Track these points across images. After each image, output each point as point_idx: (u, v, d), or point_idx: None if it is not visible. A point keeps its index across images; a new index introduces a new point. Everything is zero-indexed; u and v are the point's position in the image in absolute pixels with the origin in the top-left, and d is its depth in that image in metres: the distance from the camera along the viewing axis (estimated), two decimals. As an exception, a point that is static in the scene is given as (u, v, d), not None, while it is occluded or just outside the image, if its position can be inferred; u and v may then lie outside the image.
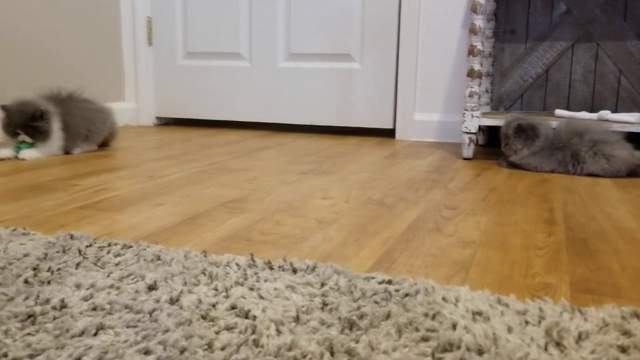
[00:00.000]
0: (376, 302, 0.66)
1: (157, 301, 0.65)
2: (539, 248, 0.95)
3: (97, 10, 2.48)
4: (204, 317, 0.62)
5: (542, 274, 0.83)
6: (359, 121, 2.40)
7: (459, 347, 0.56)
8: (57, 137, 1.75)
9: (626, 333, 0.60)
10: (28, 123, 1.68)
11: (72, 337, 0.57)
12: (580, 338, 0.59)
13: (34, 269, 0.75)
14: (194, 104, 2.64)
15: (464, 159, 1.85)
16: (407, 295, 0.68)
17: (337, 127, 2.58)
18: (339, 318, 0.62)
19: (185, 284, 0.71)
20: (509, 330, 0.61)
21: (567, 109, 2.08)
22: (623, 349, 0.56)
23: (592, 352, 0.56)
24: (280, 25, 2.45)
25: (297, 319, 0.62)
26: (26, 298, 0.65)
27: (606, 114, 1.76)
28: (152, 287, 0.70)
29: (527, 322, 0.63)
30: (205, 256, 0.81)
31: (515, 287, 0.77)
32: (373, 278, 0.73)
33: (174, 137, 2.29)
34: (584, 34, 2.04)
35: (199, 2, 2.54)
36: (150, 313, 0.62)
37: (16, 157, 1.69)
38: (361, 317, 0.62)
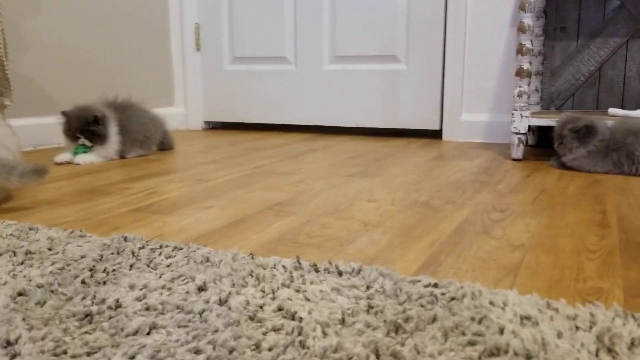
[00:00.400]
0: (422, 306, 0.66)
1: (207, 302, 0.67)
2: (591, 251, 0.93)
3: (147, 20, 2.55)
4: (251, 318, 0.63)
5: (594, 278, 0.81)
6: (405, 123, 2.39)
7: (506, 352, 0.56)
8: (114, 141, 1.81)
9: (683, 340, 0.58)
10: (86, 127, 1.75)
11: (127, 335, 0.59)
12: (633, 344, 0.57)
13: (91, 270, 0.78)
14: (240, 108, 2.68)
15: (513, 160, 1.81)
16: (453, 298, 0.68)
17: (383, 129, 2.57)
18: (385, 321, 0.62)
19: (233, 285, 0.72)
20: (559, 335, 0.60)
21: (622, 107, 2.01)
22: (679, 357, 0.55)
23: (646, 359, 0.55)
24: (325, 28, 2.47)
25: (342, 321, 0.63)
26: (83, 298, 0.68)
27: (663, 112, 1.69)
28: (201, 288, 0.72)
29: (577, 328, 0.61)
30: (252, 258, 0.82)
31: (565, 292, 0.76)
32: (419, 281, 0.73)
33: (221, 141, 2.34)
34: (639, 29, 1.96)
35: (245, 7, 2.58)
36: (200, 313, 0.64)
37: (73, 162, 1.76)
38: (407, 320, 0.62)
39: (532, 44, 1.79)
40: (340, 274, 0.77)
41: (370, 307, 0.66)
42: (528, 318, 0.63)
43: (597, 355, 0.56)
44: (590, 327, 0.61)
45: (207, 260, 0.82)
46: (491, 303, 0.67)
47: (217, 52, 2.68)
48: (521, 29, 1.76)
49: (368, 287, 0.72)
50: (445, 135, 2.31)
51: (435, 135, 2.43)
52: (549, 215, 1.15)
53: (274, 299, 0.68)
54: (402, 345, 0.57)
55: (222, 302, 0.67)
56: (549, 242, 0.97)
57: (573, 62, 2.07)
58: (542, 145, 2.15)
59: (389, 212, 1.16)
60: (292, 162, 1.80)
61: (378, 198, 1.29)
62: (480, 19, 2.19)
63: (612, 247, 0.95)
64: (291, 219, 1.11)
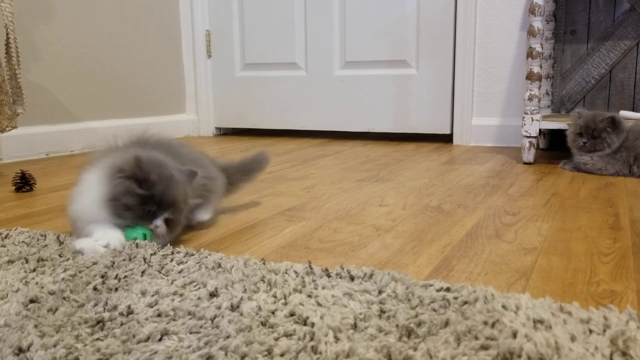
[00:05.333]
0: (434, 310, 0.66)
1: (219, 308, 0.67)
2: (604, 254, 0.92)
3: (159, 27, 2.57)
4: (263, 324, 0.63)
5: (608, 281, 0.80)
6: (416, 127, 2.38)
7: (519, 356, 0.55)
8: None
9: (699, 344, 0.57)
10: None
11: (139, 342, 0.60)
12: (648, 348, 0.57)
13: (102, 276, 0.79)
14: (252, 114, 2.69)
15: (525, 163, 1.81)
16: (465, 302, 0.68)
17: (394, 134, 2.57)
18: (397, 325, 0.62)
19: (245, 291, 0.72)
20: (572, 339, 0.59)
21: (633, 110, 2.00)
22: (696, 361, 0.54)
23: (662, 363, 0.54)
24: (335, 34, 2.47)
25: (354, 326, 0.62)
26: (95, 304, 0.69)
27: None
28: (213, 294, 0.72)
29: (591, 331, 0.61)
30: (264, 264, 0.82)
31: (578, 295, 0.75)
32: (431, 285, 0.73)
33: (233, 147, 2.35)
34: (651, 31, 1.95)
35: (256, 14, 2.60)
36: (212, 319, 0.64)
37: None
38: (419, 324, 0.62)
39: (542, 48, 1.78)
40: (352, 278, 0.76)
41: (382, 311, 0.66)
42: (541, 322, 0.63)
43: (611, 358, 0.55)
44: (604, 331, 0.61)
45: (219, 266, 0.82)
46: (504, 307, 0.66)
47: (229, 58, 2.69)
48: (531, 33, 1.76)
49: (380, 292, 0.71)
50: (456, 140, 2.31)
51: (446, 139, 2.42)
52: (561, 218, 1.14)
53: (285, 304, 0.68)
54: (415, 349, 0.57)
55: (234, 308, 0.67)
56: (562, 245, 0.97)
57: (583, 65, 2.05)
58: (553, 148, 2.13)
59: (401, 217, 1.16)
60: (304, 167, 1.80)
61: (389, 203, 1.29)
62: (490, 23, 2.18)
63: (625, 250, 0.94)
64: (303, 224, 1.11)
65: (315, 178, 1.61)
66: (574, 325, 0.62)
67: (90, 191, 0.91)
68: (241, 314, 0.65)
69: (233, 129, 2.86)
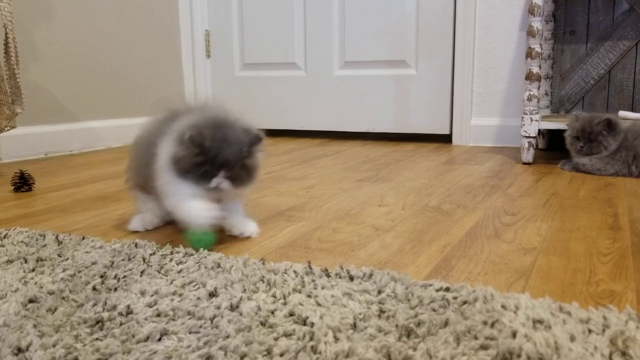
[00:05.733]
0: (434, 310, 0.66)
1: (218, 308, 0.67)
2: (603, 254, 0.92)
3: (158, 27, 2.57)
4: (263, 324, 0.63)
5: (607, 281, 0.80)
6: (416, 127, 2.39)
7: (519, 356, 0.55)
8: None
9: (699, 343, 0.57)
10: None
11: (138, 342, 0.60)
12: (648, 348, 0.57)
13: (102, 276, 0.79)
14: (251, 114, 2.68)
15: (524, 163, 1.81)
16: (465, 302, 0.68)
17: (393, 134, 2.57)
18: (397, 325, 0.62)
19: (244, 290, 0.72)
20: (572, 338, 0.59)
21: (632, 110, 2.00)
22: (695, 360, 0.54)
23: (662, 363, 0.54)
24: (335, 34, 2.47)
25: (354, 326, 0.62)
26: (94, 304, 0.69)
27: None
28: (212, 294, 0.72)
29: (590, 331, 0.61)
30: (263, 264, 0.82)
31: (578, 295, 0.75)
32: (430, 285, 0.73)
33: (231, 147, 2.35)
34: (650, 31, 1.95)
35: (255, 14, 2.60)
36: (212, 319, 0.64)
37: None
38: (419, 324, 0.62)
39: (541, 48, 1.78)
40: (351, 278, 0.76)
41: (382, 311, 0.66)
42: (541, 322, 0.63)
43: (610, 358, 0.55)
44: (604, 331, 0.61)
45: (218, 266, 0.82)
46: (503, 307, 0.66)
47: (228, 58, 2.69)
48: (530, 33, 1.76)
49: (380, 292, 0.71)
50: (455, 140, 2.31)
51: (445, 139, 2.42)
52: (560, 218, 1.14)
53: (285, 304, 0.68)
54: (414, 349, 0.57)
55: (233, 308, 0.67)
56: (561, 245, 0.97)
57: (582, 66, 2.06)
58: (552, 148, 2.13)
59: (400, 217, 1.16)
60: (303, 167, 1.80)
61: (389, 203, 1.29)
62: (490, 23, 2.18)
63: (625, 250, 0.94)
64: (302, 224, 1.11)
65: (314, 178, 1.61)
66: (573, 325, 0.62)
67: (162, 153, 0.97)
68: (241, 314, 0.65)
69: (232, 129, 2.86)
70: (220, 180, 0.93)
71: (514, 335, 0.59)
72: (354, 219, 1.15)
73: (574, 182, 1.52)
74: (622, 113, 1.82)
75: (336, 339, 0.59)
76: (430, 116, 2.35)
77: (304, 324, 0.63)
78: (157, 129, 1.03)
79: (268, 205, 1.28)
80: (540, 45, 1.77)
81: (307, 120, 2.58)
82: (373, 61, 2.41)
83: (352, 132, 2.64)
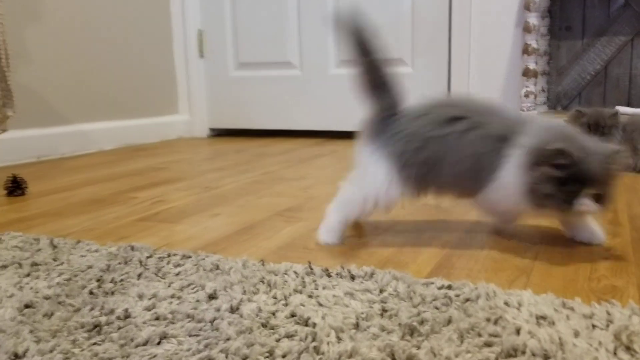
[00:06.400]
0: (436, 308, 0.65)
1: (218, 310, 0.66)
2: (604, 250, 0.91)
3: (150, 27, 2.56)
4: (264, 325, 0.62)
5: (609, 276, 0.80)
6: (411, 126, 2.38)
7: (523, 352, 0.54)
8: None
9: None
10: None
11: (137, 346, 0.59)
12: (654, 343, 0.56)
13: (98, 280, 0.78)
14: (246, 114, 2.68)
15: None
16: (468, 300, 0.67)
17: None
18: (399, 324, 0.61)
19: (244, 292, 0.72)
20: (576, 334, 0.58)
21: (629, 105, 2.00)
22: (702, 355, 0.53)
23: (668, 357, 0.53)
24: (329, 33, 2.47)
25: (357, 326, 0.62)
26: (92, 309, 0.68)
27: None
28: (212, 296, 0.71)
29: (594, 326, 0.60)
30: (263, 265, 0.81)
31: (580, 291, 0.75)
32: (432, 283, 0.72)
33: (227, 147, 2.34)
34: (645, 26, 1.95)
35: (248, 12, 2.59)
36: (212, 322, 0.63)
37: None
38: (422, 322, 0.61)
39: (537, 44, 1.78)
40: (352, 278, 0.76)
41: (384, 310, 0.65)
42: (544, 318, 0.62)
43: (615, 353, 0.55)
44: (607, 326, 0.60)
45: (217, 267, 0.81)
46: (506, 303, 0.66)
47: (222, 58, 2.68)
48: (527, 29, 1.75)
49: (381, 291, 0.71)
50: (451, 138, 2.30)
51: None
52: (560, 214, 1.13)
53: (286, 305, 0.67)
54: (418, 348, 0.56)
55: (233, 310, 0.66)
56: (562, 241, 0.96)
57: (579, 61, 2.05)
58: (549, 145, 2.13)
59: (400, 215, 1.15)
60: (301, 167, 1.79)
61: (386, 201, 1.28)
62: (485, 20, 2.18)
63: (625, 245, 0.93)
64: (301, 225, 1.10)
65: (312, 178, 1.60)
66: (577, 321, 0.61)
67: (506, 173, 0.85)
68: (241, 316, 0.65)
69: (227, 129, 2.85)
70: (587, 202, 0.82)
71: (517, 331, 0.59)
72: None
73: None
74: (620, 108, 1.82)
75: (339, 339, 0.59)
76: (426, 114, 2.35)
77: (306, 325, 0.62)
78: (486, 135, 0.87)
79: (265, 206, 1.27)
80: (537, 41, 1.77)
81: (303, 119, 2.57)
82: (368, 60, 2.41)
83: (349, 132, 2.63)
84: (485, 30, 2.19)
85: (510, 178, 0.85)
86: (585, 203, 0.82)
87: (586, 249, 0.91)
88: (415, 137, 0.90)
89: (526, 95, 1.77)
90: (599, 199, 0.82)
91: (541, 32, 2.01)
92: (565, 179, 0.80)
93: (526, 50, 1.76)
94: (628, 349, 0.56)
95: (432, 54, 2.30)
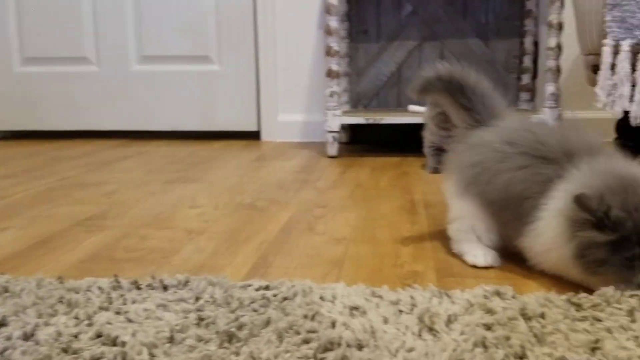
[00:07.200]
0: (255, 310, 0.64)
1: (9, 339, 0.58)
2: (405, 238, 0.99)
3: None
4: (65, 350, 0.56)
5: (410, 262, 0.86)
6: (223, 124, 2.35)
7: (339, 345, 0.56)
8: None
9: (490, 311, 0.63)
10: None
11: None
12: (450, 321, 0.62)
13: None
14: (37, 114, 2.42)
15: (329, 157, 1.89)
16: (285, 298, 0.67)
17: (200, 132, 2.51)
18: (217, 332, 0.59)
19: (40, 316, 0.63)
20: (385, 321, 0.62)
21: (419, 105, 2.20)
22: (488, 327, 0.60)
23: (462, 333, 0.59)
24: (129, 27, 2.33)
25: (171, 339, 0.58)
26: None
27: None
28: (1, 324, 0.62)
29: (401, 312, 0.64)
30: (61, 282, 0.73)
31: (386, 279, 0.79)
32: (250, 285, 0.71)
33: (15, 152, 2.09)
34: (430, 33, 2.17)
35: (37, 2, 2.34)
36: (2, 353, 0.55)
37: None
38: (240, 327, 0.60)
39: (339, 46, 1.88)
40: (165, 288, 0.71)
41: (201, 319, 0.62)
42: (357, 308, 0.65)
43: (420, 335, 0.59)
44: (412, 309, 0.65)
45: (6, 290, 0.71)
46: (322, 298, 0.67)
47: (4, 52, 2.39)
48: (328, 32, 1.84)
49: (197, 299, 0.68)
50: (264, 136, 2.33)
51: (254, 136, 2.43)
52: (366, 207, 1.21)
53: (90, 325, 0.61)
54: (237, 354, 0.55)
55: (27, 337, 0.58)
56: (368, 233, 1.02)
57: (375, 64, 2.21)
58: (355, 142, 2.26)
59: (214, 217, 1.13)
60: (103, 171, 1.66)
61: (201, 203, 1.25)
62: (289, 21, 2.24)
63: (423, 232, 1.02)
64: (105, 234, 1.02)
65: (116, 182, 1.50)
66: (385, 308, 0.65)
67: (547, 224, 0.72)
68: (37, 343, 0.57)
69: (14, 131, 2.55)
70: None
71: (333, 325, 0.60)
72: (164, 223, 1.09)
73: (375, 172, 1.62)
74: (411, 107, 2.00)
75: (152, 356, 0.55)
76: (237, 113, 2.34)
77: (114, 345, 0.57)
78: (544, 167, 0.75)
79: (63, 215, 1.16)
80: (338, 43, 1.86)
81: (104, 119, 2.40)
82: (175, 56, 2.32)
83: (156, 132, 2.52)
84: (290, 32, 2.25)
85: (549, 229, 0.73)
86: None
87: (389, 239, 0.98)
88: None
89: (330, 95, 1.86)
90: None
91: (341, 34, 2.12)
92: (616, 243, 0.67)
93: (328, 52, 1.84)
94: (431, 329, 0.60)
95: (240, 52, 2.29)
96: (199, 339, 0.58)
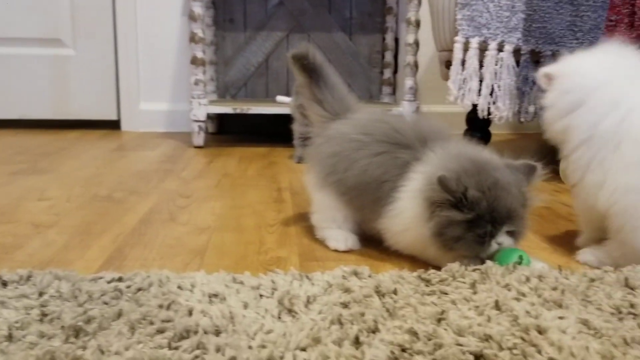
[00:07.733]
0: (105, 303, 0.61)
1: None
2: (270, 225, 0.99)
3: None
4: None
5: (275, 249, 0.87)
6: (79, 113, 2.21)
7: (195, 332, 0.55)
8: None
9: (347, 290, 0.65)
10: None
11: None
12: (309, 302, 0.63)
13: None
14: None
15: (196, 147, 1.84)
16: (139, 289, 0.64)
17: (54, 121, 2.32)
18: (62, 327, 0.55)
19: None
20: (245, 306, 0.61)
21: (287, 95, 2.22)
22: (345, 305, 0.62)
23: (320, 312, 0.60)
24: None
25: (10, 337, 0.53)
26: None
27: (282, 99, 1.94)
28: None
29: (261, 296, 0.64)
30: None
31: (250, 265, 0.79)
32: (101, 278, 0.67)
33: None
34: (297, 25, 2.19)
35: None
36: None
37: None
38: (88, 321, 0.56)
39: (204, 33, 1.83)
40: (4, 284, 0.65)
41: (44, 315, 0.58)
42: (216, 295, 0.64)
43: (279, 317, 0.59)
44: (273, 293, 0.65)
45: None
46: (179, 287, 0.65)
47: None
48: (192, 18, 1.79)
49: (41, 294, 0.63)
50: (124, 126, 2.22)
51: (114, 125, 2.30)
52: (232, 196, 1.19)
53: None
54: (84, 349, 0.51)
55: None
56: (234, 222, 1.01)
57: (243, 53, 2.19)
58: (222, 132, 2.23)
59: (65, 210, 1.05)
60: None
61: (52, 196, 1.16)
62: (150, 6, 2.15)
63: (288, 219, 1.03)
64: (-64, 230, 0.91)
65: (-46, 174, 1.35)
66: (246, 294, 0.65)
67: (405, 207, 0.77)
68: None
69: None
70: (502, 240, 0.74)
71: (190, 313, 0.59)
72: (8, 217, 1.00)
73: (243, 162, 1.61)
74: (279, 98, 2.00)
75: (-15, 358, 0.50)
76: (94, 101, 2.20)
77: (-61, 348, 0.51)
78: (396, 151, 0.80)
79: None
80: (203, 30, 1.82)
81: (-58, 107, 2.15)
82: (22, 38, 2.13)
83: (1, 120, 2.30)
84: (151, 17, 2.16)
85: (407, 204, 0.77)
86: (500, 242, 0.74)
87: (254, 227, 0.98)
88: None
89: (196, 83, 1.81)
90: (513, 234, 0.75)
91: (207, 22, 2.08)
92: (472, 222, 0.72)
93: (193, 39, 1.79)
94: (290, 311, 0.61)
95: (97, 37, 2.16)
96: (42, 335, 0.53)
